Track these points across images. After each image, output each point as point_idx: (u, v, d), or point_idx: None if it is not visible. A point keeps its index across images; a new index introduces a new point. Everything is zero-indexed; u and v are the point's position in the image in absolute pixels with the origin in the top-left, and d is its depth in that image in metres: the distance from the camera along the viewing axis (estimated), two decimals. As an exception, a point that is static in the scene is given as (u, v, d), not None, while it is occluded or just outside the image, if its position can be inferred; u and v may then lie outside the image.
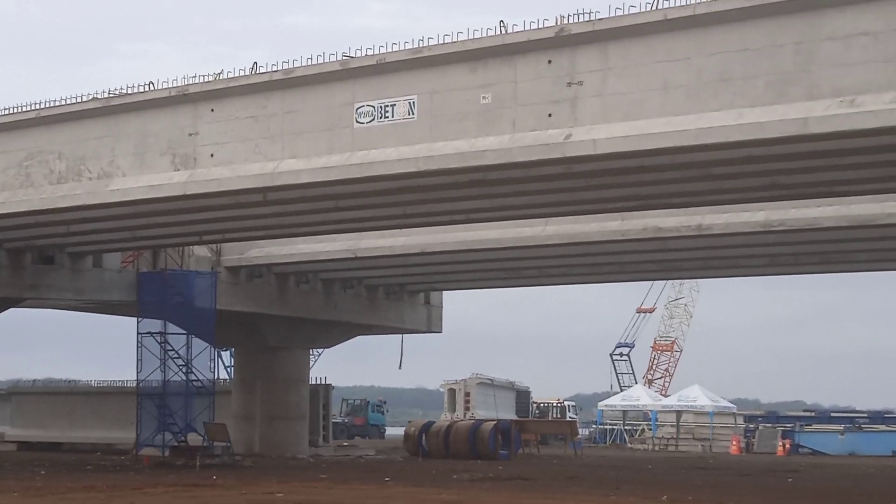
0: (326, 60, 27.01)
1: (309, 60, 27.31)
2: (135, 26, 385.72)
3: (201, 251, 44.49)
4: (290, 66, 27.51)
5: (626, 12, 23.19)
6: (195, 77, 29.07)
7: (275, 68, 27.71)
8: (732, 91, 22.29)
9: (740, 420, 76.86)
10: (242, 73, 28.43)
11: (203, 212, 32.64)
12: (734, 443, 69.44)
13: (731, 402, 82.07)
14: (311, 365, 54.17)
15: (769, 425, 72.17)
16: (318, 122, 27.26)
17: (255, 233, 37.39)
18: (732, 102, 22.29)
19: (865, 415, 75.24)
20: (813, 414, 78.27)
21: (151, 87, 29.76)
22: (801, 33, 21.60)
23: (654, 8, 22.91)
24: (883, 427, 70.14)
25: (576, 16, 23.70)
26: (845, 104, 21.17)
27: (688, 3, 22.57)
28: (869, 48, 21.01)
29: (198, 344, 43.32)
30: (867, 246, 38.21)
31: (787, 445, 67.36)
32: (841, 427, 70.10)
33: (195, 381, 43.22)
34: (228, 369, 54.49)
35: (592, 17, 23.52)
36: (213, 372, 44.42)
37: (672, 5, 22.72)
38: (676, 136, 22.84)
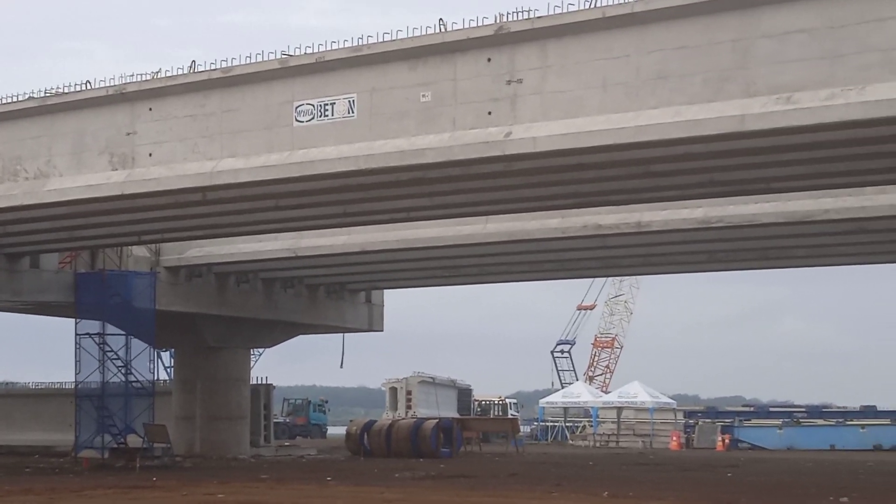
0: (265, 59, 26.90)
1: (248, 59, 27.20)
2: (71, 25, 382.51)
3: (140, 251, 44.17)
4: (229, 64, 27.38)
5: (566, 10, 23.25)
6: (133, 76, 28.89)
7: (213, 67, 27.55)
8: (670, 88, 22.42)
9: (680, 416, 77.36)
10: (181, 72, 28.24)
11: (142, 211, 32.40)
12: (674, 438, 69.89)
13: (671, 397, 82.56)
14: (251, 365, 53.98)
15: (709, 421, 72.72)
16: (258, 120, 27.14)
17: (195, 232, 37.17)
18: (671, 100, 22.42)
19: (803, 409, 76.04)
20: (752, 409, 79.07)
21: (88, 87, 29.51)
22: (738, 31, 21.76)
23: (592, 6, 22.99)
24: (821, 421, 70.89)
25: (515, 14, 23.75)
26: (782, 101, 21.35)
27: (626, 0, 22.67)
28: (805, 45, 21.20)
29: (137, 345, 43.04)
30: (804, 242, 38.56)
31: (727, 440, 67.88)
32: (779, 422, 70.76)
33: (134, 382, 42.94)
34: (168, 370, 54.17)
35: (532, 16, 23.57)
36: (153, 373, 44.14)
37: (611, 3, 22.82)
38: (615, 134, 22.94)
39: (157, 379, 47.00)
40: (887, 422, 69.06)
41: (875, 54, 20.61)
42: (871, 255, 41.21)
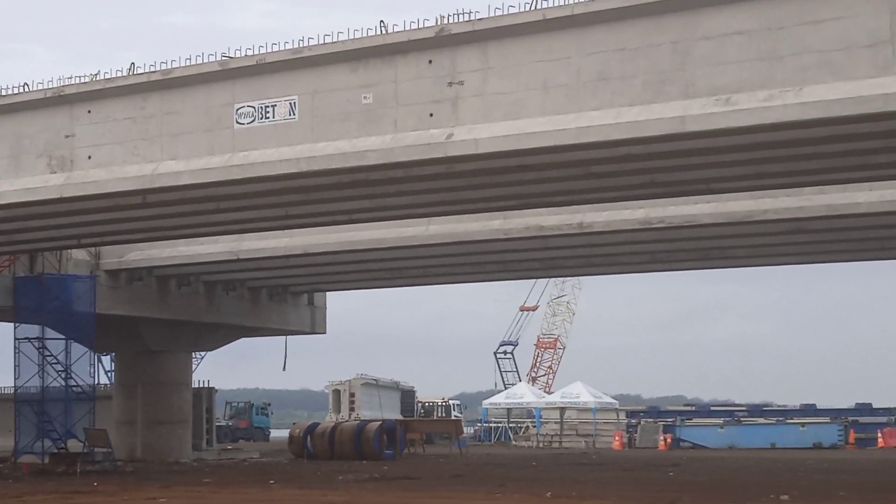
0: (205, 61, 26.77)
1: (188, 61, 27.06)
2: (8, 26, 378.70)
3: (80, 254, 43.82)
4: (169, 66, 27.22)
5: (506, 12, 23.32)
6: (71, 78, 28.63)
7: (153, 69, 27.39)
8: (611, 90, 22.53)
9: (622, 415, 77.68)
10: (120, 74, 28.05)
11: (81, 215, 32.14)
12: (617, 438, 70.20)
13: (613, 397, 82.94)
14: (193, 368, 53.67)
15: (651, 420, 73.05)
16: (198, 123, 27.01)
17: (135, 235, 36.90)
18: (611, 101, 22.53)
19: (744, 408, 76.49)
20: (693, 408, 79.41)
21: (26, 89, 29.23)
22: (678, 33, 21.91)
23: (532, 8, 23.07)
24: (761, 420, 71.36)
25: (456, 16, 23.79)
26: (721, 102, 21.52)
27: (566, 3, 22.76)
28: (743, 47, 21.38)
29: (77, 349, 42.70)
30: (744, 242, 38.88)
31: (669, 440, 68.26)
32: (720, 421, 71.18)
33: (75, 386, 42.61)
34: (109, 374, 53.75)
35: (472, 18, 23.62)
36: (93, 377, 43.83)
37: (551, 5, 22.90)
38: (557, 135, 23.02)
39: (98, 383, 46.70)
40: (826, 420, 69.65)
41: (812, 55, 20.82)
42: (809, 255, 41.61)
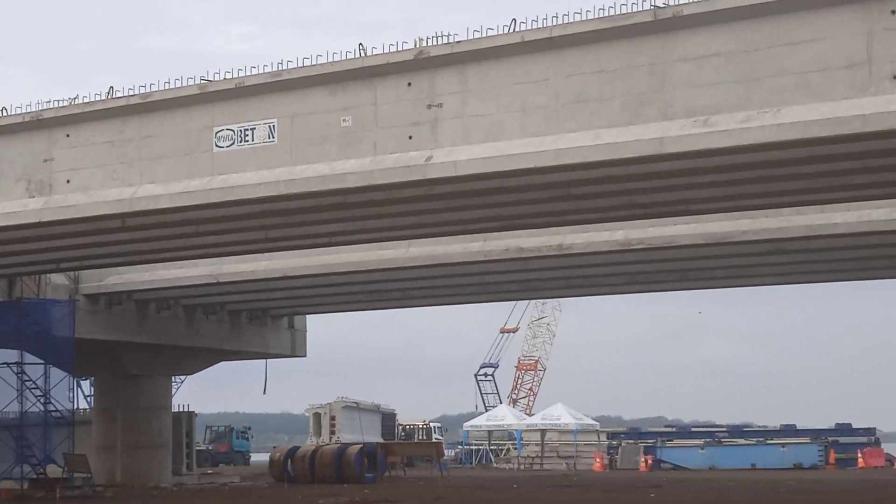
0: (184, 84, 26.77)
1: (166, 84, 27.06)
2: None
3: (59, 279, 43.64)
4: (148, 90, 27.20)
5: (485, 35, 23.38)
6: (49, 102, 28.60)
7: (132, 93, 27.37)
8: (590, 112, 22.59)
9: (603, 437, 77.70)
10: (99, 98, 28.02)
11: (60, 239, 32.05)
12: (597, 460, 70.18)
13: (594, 419, 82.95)
14: (173, 392, 53.44)
15: (631, 441, 73.05)
16: (177, 146, 26.99)
17: (115, 259, 36.81)
18: (590, 123, 22.58)
19: (724, 429, 76.62)
20: (674, 429, 79.50)
21: (4, 113, 29.17)
22: (655, 55, 21.99)
23: (511, 30, 23.14)
24: (742, 441, 71.44)
25: (435, 38, 23.85)
26: (699, 124, 21.59)
27: (544, 25, 22.83)
28: (721, 69, 21.47)
29: (56, 373, 42.47)
30: (723, 263, 38.96)
31: (650, 461, 68.26)
32: (701, 442, 71.24)
33: (54, 411, 42.36)
34: (88, 399, 53.49)
35: (451, 40, 23.67)
36: (73, 402, 43.59)
37: (529, 28, 22.97)
38: (536, 157, 23.06)
39: (77, 408, 46.43)
40: (806, 440, 69.77)
41: (789, 77, 20.92)
42: (788, 276, 41.73)
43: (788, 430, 72.57)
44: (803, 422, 74.41)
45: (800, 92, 20.84)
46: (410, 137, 24.19)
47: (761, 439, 71.10)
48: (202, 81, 26.52)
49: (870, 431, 73.08)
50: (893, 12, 20.13)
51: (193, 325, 48.59)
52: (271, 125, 25.79)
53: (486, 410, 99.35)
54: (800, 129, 20.85)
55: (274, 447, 58.24)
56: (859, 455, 68.20)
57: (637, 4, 21.98)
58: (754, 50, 21.18)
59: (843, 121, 20.51)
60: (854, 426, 72.55)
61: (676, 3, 21.70)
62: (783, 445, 68.95)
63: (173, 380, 53.88)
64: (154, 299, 46.38)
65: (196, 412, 57.11)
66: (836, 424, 72.91)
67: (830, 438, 70.31)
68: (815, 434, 71.02)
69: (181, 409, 54.56)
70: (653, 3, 21.83)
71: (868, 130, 20.51)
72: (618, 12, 22.13)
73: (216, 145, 26.42)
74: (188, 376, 55.71)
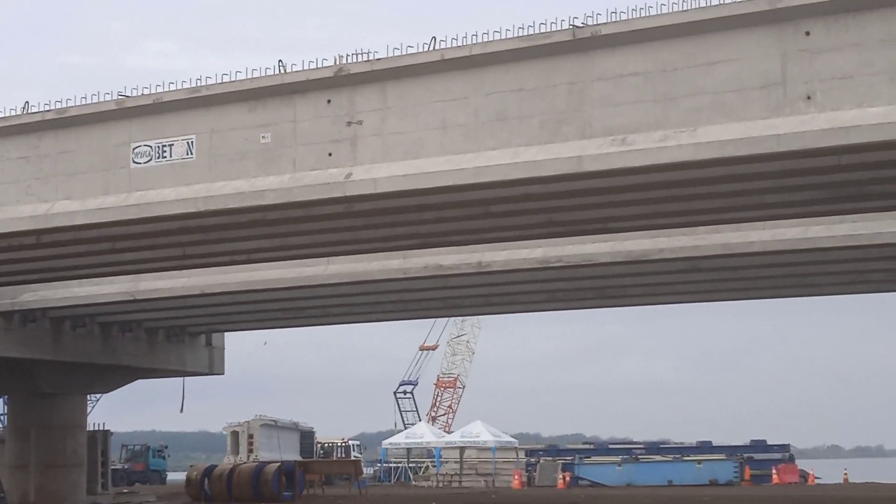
0: (102, 100, 26.53)
1: (83, 100, 26.79)
2: None
3: (-28, 296, 43.02)
4: (64, 105, 26.93)
5: (405, 52, 23.43)
6: (-37, 117, 28.18)
7: (48, 108, 27.08)
8: (509, 130, 22.69)
9: (522, 454, 77.92)
10: (14, 113, 27.68)
11: (-27, 255, 31.57)
12: (516, 477, 70.33)
13: (513, 436, 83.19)
14: (88, 411, 52.87)
15: (550, 459, 73.32)
16: (94, 162, 26.73)
17: (29, 276, 36.33)
18: (509, 141, 22.68)
19: (642, 446, 77.10)
20: (592, 446, 79.85)
21: (-83, 127, 28.69)
22: (574, 74, 22.15)
23: (431, 48, 23.20)
24: (658, 458, 71.97)
25: (354, 56, 23.85)
26: (617, 143, 21.76)
27: (464, 43, 22.92)
28: (639, 88, 21.66)
29: (-32, 392, 41.87)
30: (641, 281, 39.27)
31: (568, 478, 68.55)
32: (619, 458, 71.67)
33: (-34, 430, 41.72)
34: (1, 417, 52.79)
35: (371, 58, 23.68)
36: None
37: (449, 46, 23.04)
38: (455, 175, 23.12)
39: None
40: (722, 457, 70.42)
41: (706, 97, 21.16)
42: (705, 294, 42.16)
43: (704, 447, 73.20)
44: (719, 438, 75.16)
45: (716, 112, 21.09)
46: (330, 154, 24.15)
47: (678, 456, 71.66)
48: (120, 97, 26.30)
49: (784, 448, 73.90)
50: (808, 33, 20.45)
51: (109, 342, 48.09)
52: (189, 141, 25.63)
53: (406, 428, 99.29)
54: (716, 148, 21.09)
55: (191, 466, 57.72)
56: (774, 471, 68.95)
57: (556, 24, 22.17)
58: (671, 70, 21.42)
59: (757, 140, 20.78)
60: (769, 443, 73.35)
61: (595, 23, 21.89)
62: (699, 462, 69.53)
63: (89, 398, 53.34)
64: (69, 317, 45.85)
65: (112, 431, 56.59)
66: (752, 441, 73.67)
67: (746, 455, 71.02)
68: (731, 451, 71.70)
69: (96, 428, 54.01)
70: (572, 23, 22.00)
71: (782, 150, 20.80)
72: (537, 31, 22.28)
73: (133, 161, 26.19)
74: (104, 394, 55.16)
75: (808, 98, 20.46)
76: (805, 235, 32.39)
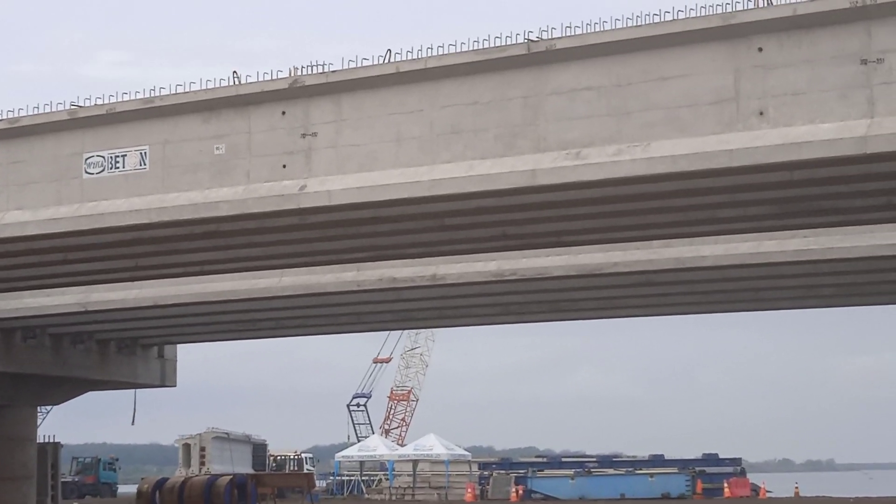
0: (54, 109, 26.37)
1: (35, 109, 26.63)
2: None
3: (-80, 306, 42.58)
4: (16, 115, 26.73)
5: (360, 65, 23.44)
6: (-87, 125, 27.89)
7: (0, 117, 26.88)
8: (464, 143, 22.72)
9: (475, 467, 77.97)
10: (-36, 122, 27.44)
11: (-78, 265, 31.27)
12: (469, 490, 70.36)
13: (466, 449, 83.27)
14: (39, 422, 52.43)
15: (503, 472, 73.45)
16: (46, 172, 26.55)
17: (-21, 287, 36.01)
18: (464, 154, 22.72)
19: (595, 459, 77.34)
20: (545, 459, 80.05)
21: None
22: (528, 87, 22.22)
23: (386, 61, 23.22)
24: (611, 471, 72.24)
25: (309, 67, 23.83)
26: (571, 156, 21.84)
27: (419, 56, 22.95)
28: (593, 102, 21.76)
29: (-83, 404, 41.41)
30: (594, 294, 39.36)
31: (521, 491, 68.66)
32: (572, 472, 71.87)
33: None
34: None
35: (326, 70, 23.68)
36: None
37: (404, 58, 23.07)
38: (410, 188, 23.13)
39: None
40: (674, 470, 70.76)
41: (659, 112, 21.28)
42: (658, 307, 42.32)
43: (657, 460, 73.55)
44: (671, 452, 75.63)
45: (669, 126, 21.21)
46: (284, 166, 24.11)
47: (630, 469, 71.95)
48: (72, 107, 26.14)
49: (736, 462, 74.35)
50: (761, 49, 20.62)
51: (60, 354, 47.71)
52: (143, 152, 25.51)
53: (359, 441, 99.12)
54: (669, 162, 21.21)
55: (142, 479, 57.37)
56: (725, 485, 69.33)
57: (511, 38, 22.24)
58: (626, 84, 21.52)
59: (710, 155, 20.91)
60: (721, 456, 73.75)
61: (550, 37, 21.97)
62: (652, 475, 69.81)
63: (39, 410, 52.91)
64: (20, 328, 45.45)
65: (62, 443, 56.08)
66: (704, 454, 74.08)
67: (698, 468, 71.40)
68: (683, 464, 72.08)
69: (46, 440, 53.55)
70: (527, 37, 22.08)
71: (735, 165, 20.94)
72: (492, 45, 22.35)
73: (86, 172, 26.04)
74: (54, 406, 54.78)
75: (761, 114, 20.62)
76: (757, 250, 32.61)
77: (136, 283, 37.97)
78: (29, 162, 26.81)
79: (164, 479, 52.69)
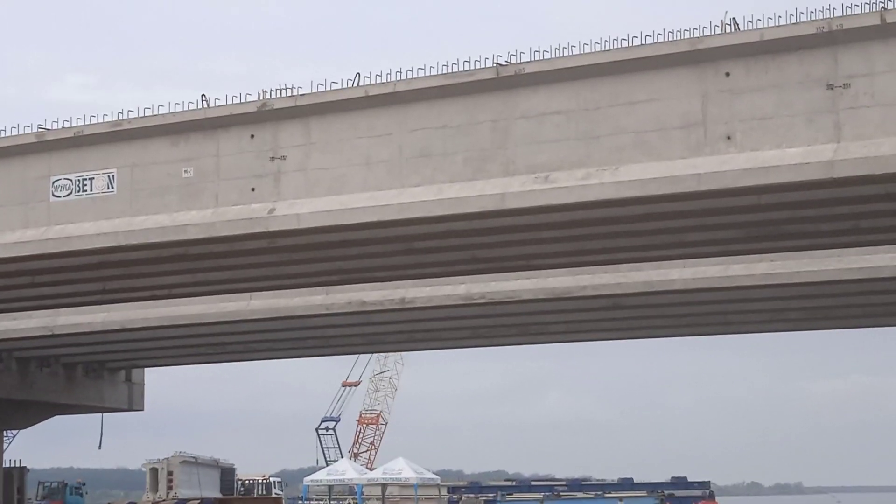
0: (21, 132, 26.25)
1: (2, 132, 26.52)
2: None
3: None
4: (-18, 137, 26.59)
5: (329, 88, 23.44)
6: None
7: (-34, 140, 26.73)
8: (433, 167, 22.73)
9: (444, 491, 77.65)
10: (-70, 144, 27.26)
11: None
12: (438, 514, 70.12)
13: (435, 473, 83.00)
14: (4, 447, 52.04)
15: (472, 495, 73.08)
16: (12, 195, 26.41)
17: (-55, 310, 35.75)
18: (433, 178, 22.72)
19: (564, 482, 77.10)
20: (514, 483, 79.75)
21: None
22: (497, 111, 22.26)
23: (355, 84, 23.22)
24: (580, 494, 71.96)
25: (278, 91, 23.82)
26: (540, 180, 21.87)
27: (388, 80, 22.96)
28: (561, 127, 21.81)
29: None
30: (563, 318, 39.40)
31: (480, 514, 68.30)
32: (541, 495, 71.57)
33: None
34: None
35: (295, 93, 23.66)
36: None
37: (373, 82, 23.08)
38: (379, 211, 23.12)
39: None
40: (643, 493, 70.54)
41: (628, 136, 21.35)
42: (626, 331, 42.39)
43: (626, 484, 73.30)
44: (640, 475, 75.33)
45: (638, 150, 21.27)
46: (253, 189, 24.05)
47: (599, 492, 71.67)
48: (40, 130, 26.04)
49: (705, 485, 74.18)
50: (728, 74, 20.72)
51: (27, 378, 47.41)
52: (110, 175, 25.41)
53: (328, 465, 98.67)
54: (637, 186, 21.27)
55: (109, 503, 56.93)
56: (694, 508, 69.18)
57: (481, 62, 22.29)
58: (594, 108, 21.59)
59: (678, 179, 20.98)
60: (690, 479, 73.62)
61: (519, 61, 22.02)
62: (621, 499, 69.61)
63: (5, 434, 52.50)
64: (-14, 351, 45.17)
65: (28, 467, 55.76)
66: (673, 478, 73.90)
67: (666, 492, 71.19)
68: (652, 487, 71.86)
69: (13, 465, 53.16)
70: (496, 61, 22.13)
71: (703, 189, 21.02)
72: (462, 69, 22.38)
73: (53, 195, 25.91)
74: (21, 430, 54.35)
75: (729, 138, 20.71)
76: (725, 274, 32.73)
77: (103, 306, 37.78)
78: (-5, 185, 26.64)
79: (131, 504, 52.36)
